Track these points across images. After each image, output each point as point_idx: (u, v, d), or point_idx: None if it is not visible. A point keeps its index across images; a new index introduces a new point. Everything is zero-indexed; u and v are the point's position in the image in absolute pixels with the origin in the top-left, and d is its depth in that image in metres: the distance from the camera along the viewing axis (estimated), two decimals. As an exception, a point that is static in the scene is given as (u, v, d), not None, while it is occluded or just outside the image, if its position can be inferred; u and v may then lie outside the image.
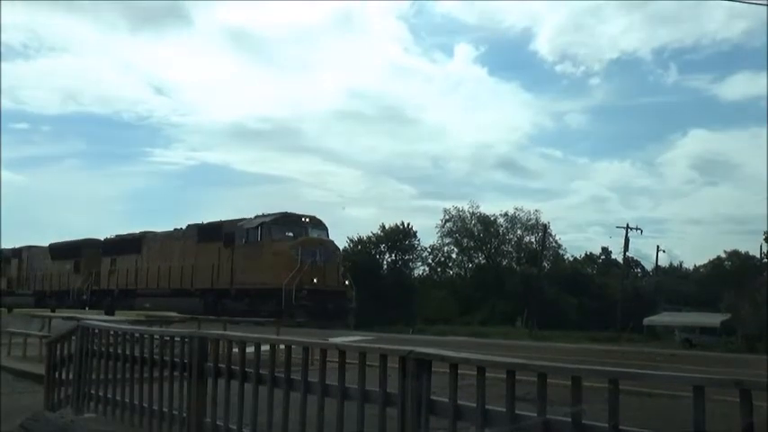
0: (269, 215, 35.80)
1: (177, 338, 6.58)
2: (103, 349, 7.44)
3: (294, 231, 35.19)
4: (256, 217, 36.17)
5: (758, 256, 62.58)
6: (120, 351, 7.20)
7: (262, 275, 33.44)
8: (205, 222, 39.08)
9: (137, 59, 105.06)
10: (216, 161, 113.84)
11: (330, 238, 37.16)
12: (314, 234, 35.52)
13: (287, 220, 35.65)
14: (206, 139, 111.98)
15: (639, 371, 4.52)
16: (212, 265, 36.12)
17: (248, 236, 35.36)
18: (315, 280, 32.82)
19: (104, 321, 9.36)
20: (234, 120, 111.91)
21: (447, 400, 4.14)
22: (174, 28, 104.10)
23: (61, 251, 47.13)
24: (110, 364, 7.31)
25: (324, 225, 37.02)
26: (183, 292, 36.89)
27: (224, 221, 37.69)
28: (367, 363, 4.69)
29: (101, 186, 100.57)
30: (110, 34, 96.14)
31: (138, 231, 43.45)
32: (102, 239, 45.90)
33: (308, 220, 35.99)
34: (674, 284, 63.57)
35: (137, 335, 7.17)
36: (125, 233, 44.54)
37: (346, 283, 35.41)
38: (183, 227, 40.25)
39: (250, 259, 34.54)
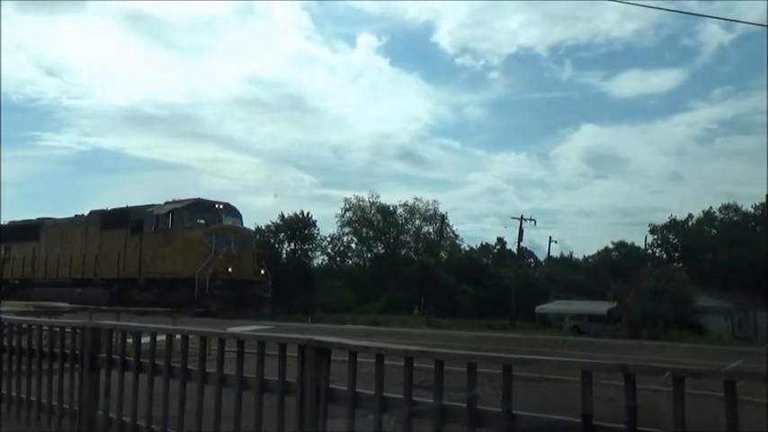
0: (180, 201, 34.62)
1: (68, 329, 6.37)
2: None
3: (207, 218, 34.18)
4: (167, 203, 34.91)
5: (643, 246, 66.06)
6: (5, 343, 6.92)
7: (173, 264, 32.39)
8: (110, 208, 37.49)
9: (25, 38, 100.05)
10: (109, 147, 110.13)
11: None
12: (228, 221, 34.71)
13: (199, 207, 34.55)
14: (99, 124, 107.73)
15: (532, 357, 4.70)
16: (118, 254, 34.72)
17: (158, 222, 34.05)
18: (230, 269, 31.96)
19: (-12, 312, 8.98)
20: (129, 104, 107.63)
21: (346, 388, 4.17)
22: (67, 6, 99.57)
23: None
24: (-5, 357, 7.01)
25: (238, 212, 36.21)
26: (86, 282, 35.46)
27: (131, 207, 36.17)
28: (266, 352, 4.67)
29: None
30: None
31: (35, 218, 41.52)
32: None
33: (221, 206, 35.06)
34: (565, 274, 65.91)
35: (24, 325, 6.91)
36: (20, 219, 42.52)
37: (262, 272, 34.53)
38: (86, 213, 38.64)
39: (160, 247, 33.35)
